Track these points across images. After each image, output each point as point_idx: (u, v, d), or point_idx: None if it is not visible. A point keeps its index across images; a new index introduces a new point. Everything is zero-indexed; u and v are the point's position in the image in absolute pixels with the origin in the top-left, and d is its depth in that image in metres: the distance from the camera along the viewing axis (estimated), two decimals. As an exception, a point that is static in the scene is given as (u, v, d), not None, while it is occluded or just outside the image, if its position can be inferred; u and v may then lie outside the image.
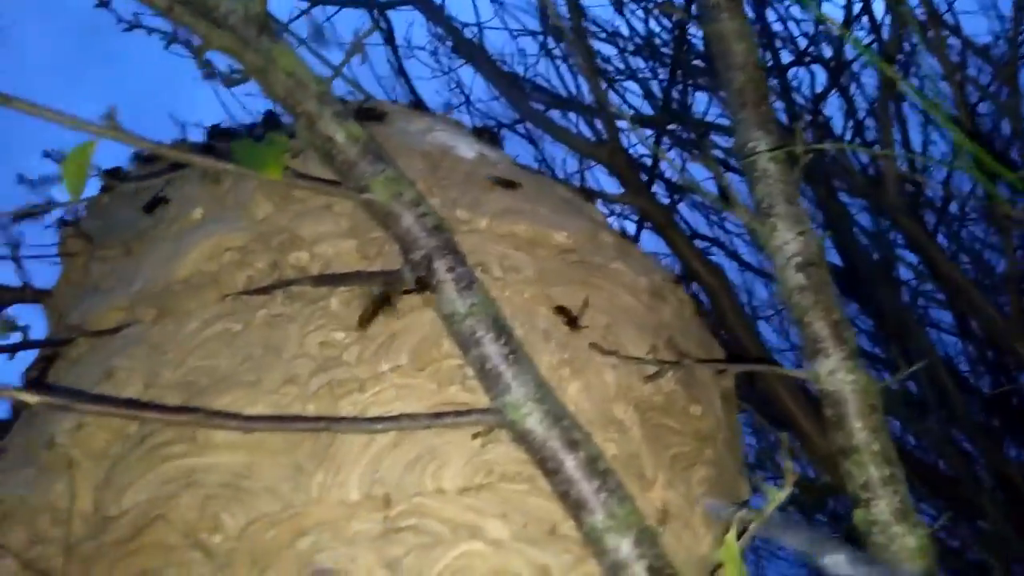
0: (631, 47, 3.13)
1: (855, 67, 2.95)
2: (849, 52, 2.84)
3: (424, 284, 0.90)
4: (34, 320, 1.21)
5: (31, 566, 0.79)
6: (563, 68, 3.11)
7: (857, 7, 2.63)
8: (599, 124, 2.60)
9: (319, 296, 0.97)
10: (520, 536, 0.81)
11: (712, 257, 2.78)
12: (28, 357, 1.11)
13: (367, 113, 1.25)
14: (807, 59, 2.99)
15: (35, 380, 0.97)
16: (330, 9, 2.81)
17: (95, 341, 1.02)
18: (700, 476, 0.97)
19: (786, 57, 2.96)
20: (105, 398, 0.84)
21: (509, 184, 1.19)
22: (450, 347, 0.91)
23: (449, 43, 3.04)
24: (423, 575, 0.77)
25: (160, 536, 0.79)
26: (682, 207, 3.11)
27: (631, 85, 3.21)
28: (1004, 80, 2.20)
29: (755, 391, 1.90)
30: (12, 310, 1.22)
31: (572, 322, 1.00)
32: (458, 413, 0.84)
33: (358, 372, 0.89)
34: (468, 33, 2.91)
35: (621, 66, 3.18)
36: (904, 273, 2.95)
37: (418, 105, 2.01)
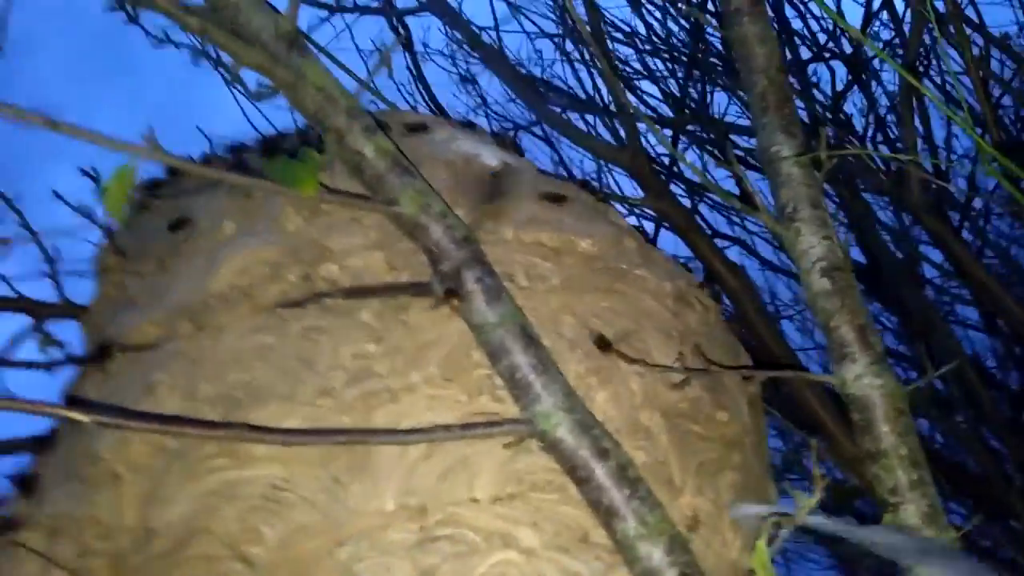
0: (648, 47, 3.13)
1: (876, 62, 2.93)
2: (869, 47, 2.82)
3: (453, 295, 0.92)
4: (71, 335, 1.24)
5: (80, 577, 0.82)
6: (580, 70, 3.12)
7: (877, 2, 2.61)
8: (616, 124, 2.61)
9: (350, 308, 0.99)
10: (552, 544, 0.83)
11: (732, 256, 2.77)
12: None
13: (412, 127, 1.28)
14: (826, 55, 2.97)
15: (76, 398, 1.00)
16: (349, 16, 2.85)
17: (133, 355, 1.05)
18: (728, 482, 0.98)
19: (805, 53, 2.95)
20: (151, 415, 0.87)
21: (558, 199, 1.21)
22: (479, 357, 0.92)
23: (467, 47, 3.06)
24: (459, 583, 0.79)
25: (203, 548, 0.82)
26: (701, 206, 3.11)
27: (648, 85, 3.21)
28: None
29: (780, 394, 1.90)
30: (50, 326, 1.25)
31: (607, 347, 1.00)
32: (490, 424, 0.85)
33: (390, 383, 0.91)
34: (485, 37, 2.93)
35: (639, 66, 3.18)
36: (928, 271, 2.93)
37: (439, 112, 2.03)
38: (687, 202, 2.91)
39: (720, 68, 2.88)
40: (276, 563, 0.80)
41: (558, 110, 2.83)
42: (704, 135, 2.95)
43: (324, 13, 2.70)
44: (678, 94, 3.02)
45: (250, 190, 1.13)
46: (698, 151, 3.04)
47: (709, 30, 2.79)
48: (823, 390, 1.75)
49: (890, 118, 2.93)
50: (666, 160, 2.71)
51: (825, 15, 2.86)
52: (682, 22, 3.00)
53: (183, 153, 1.19)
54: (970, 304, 3.02)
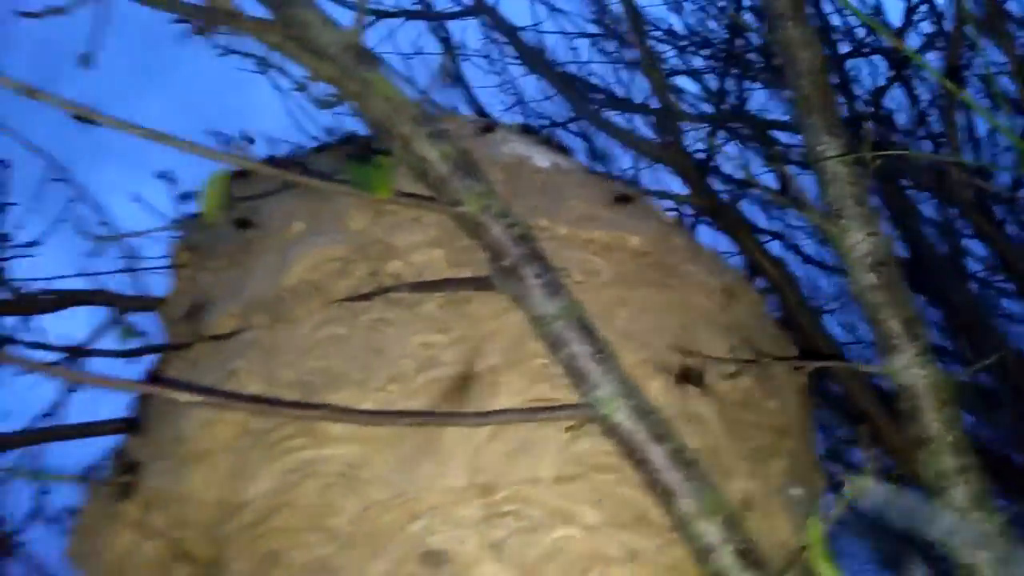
0: (687, 44, 3.15)
1: (917, 56, 2.91)
2: (909, 41, 2.80)
3: (512, 290, 0.97)
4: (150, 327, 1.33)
5: (175, 547, 0.89)
6: (617, 67, 3.15)
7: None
8: (655, 121, 2.64)
9: (415, 301, 1.05)
10: (611, 522, 0.88)
11: (773, 251, 2.78)
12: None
13: (483, 128, 1.35)
14: (866, 50, 2.96)
15: (172, 379, 1.07)
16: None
17: (212, 345, 1.12)
18: (779, 468, 1.02)
19: (844, 48, 2.94)
20: (244, 396, 0.94)
21: (627, 199, 1.27)
22: (538, 347, 0.98)
23: (508, 47, 3.10)
24: (524, 556, 0.84)
25: (286, 521, 0.88)
26: (740, 202, 3.12)
27: (685, 82, 3.23)
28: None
29: (825, 385, 1.92)
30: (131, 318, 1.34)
31: (693, 380, 1.04)
32: (552, 408, 0.90)
33: (456, 370, 0.97)
34: (523, 36, 2.97)
35: (678, 63, 3.20)
36: (973, 265, 2.90)
37: (483, 115, 2.09)
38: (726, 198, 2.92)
39: (759, 65, 2.89)
40: (354, 535, 0.86)
41: (596, 108, 2.87)
42: (744, 131, 2.96)
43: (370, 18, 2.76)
44: (716, 90, 3.03)
45: (323, 192, 1.20)
46: (739, 146, 3.05)
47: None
48: (868, 381, 1.77)
49: (931, 110, 2.91)
50: (705, 155, 2.73)
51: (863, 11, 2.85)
52: (720, 20, 3.02)
53: (241, 155, 1.26)
54: (1016, 298, 2.99)
